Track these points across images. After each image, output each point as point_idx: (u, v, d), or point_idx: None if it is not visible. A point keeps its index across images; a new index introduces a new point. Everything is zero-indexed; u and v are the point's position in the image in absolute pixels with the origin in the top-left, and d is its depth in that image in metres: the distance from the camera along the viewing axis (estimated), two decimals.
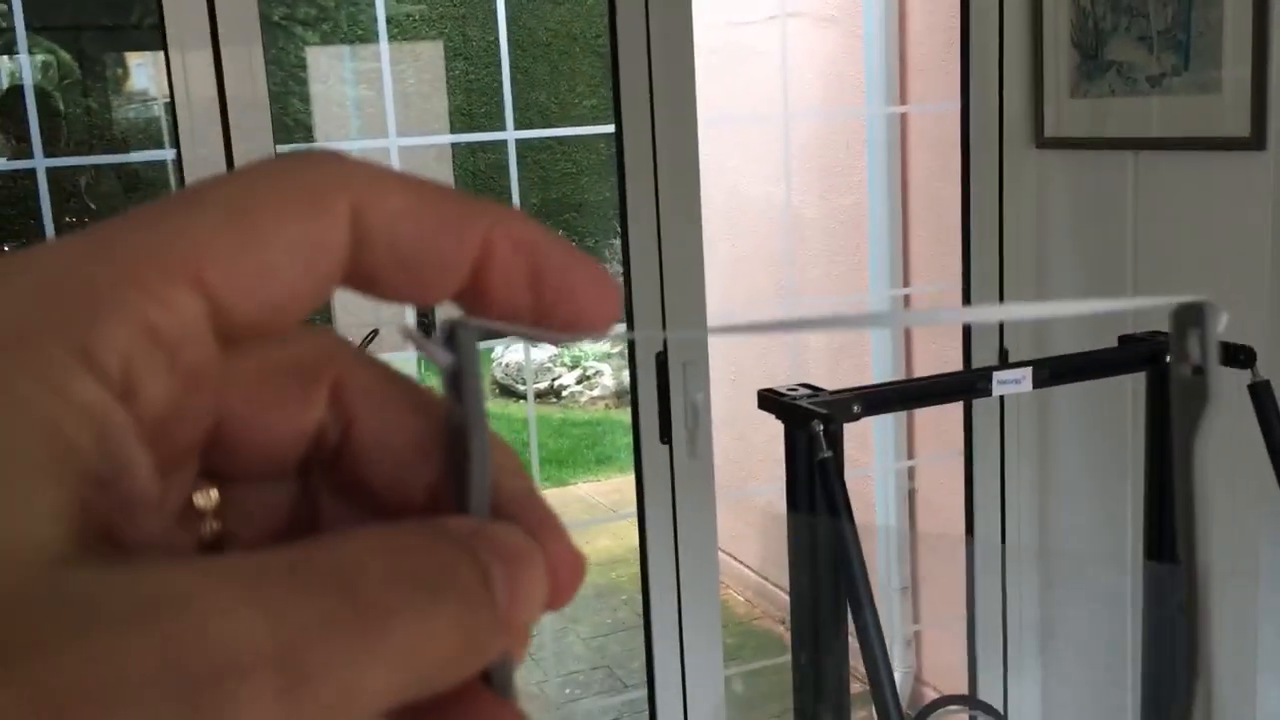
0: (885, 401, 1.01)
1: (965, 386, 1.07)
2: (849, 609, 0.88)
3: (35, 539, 0.17)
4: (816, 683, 0.90)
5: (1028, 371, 1.06)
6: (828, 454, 0.86)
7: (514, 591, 0.20)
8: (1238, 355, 1.20)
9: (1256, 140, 1.89)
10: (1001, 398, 2.37)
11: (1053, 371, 1.10)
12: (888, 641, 3.09)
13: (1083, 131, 2.23)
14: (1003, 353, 2.36)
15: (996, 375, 1.04)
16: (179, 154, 1.80)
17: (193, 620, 0.16)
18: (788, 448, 0.92)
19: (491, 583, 0.19)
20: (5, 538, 0.16)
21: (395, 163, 2.12)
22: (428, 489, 0.23)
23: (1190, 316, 0.25)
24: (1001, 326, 2.36)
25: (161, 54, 1.81)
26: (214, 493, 0.22)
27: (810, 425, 0.88)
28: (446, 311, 0.23)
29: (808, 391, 0.95)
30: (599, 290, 0.22)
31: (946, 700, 1.45)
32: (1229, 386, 1.27)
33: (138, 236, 0.19)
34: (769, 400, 0.95)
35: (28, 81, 2.04)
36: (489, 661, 0.20)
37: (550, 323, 0.22)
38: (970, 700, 1.57)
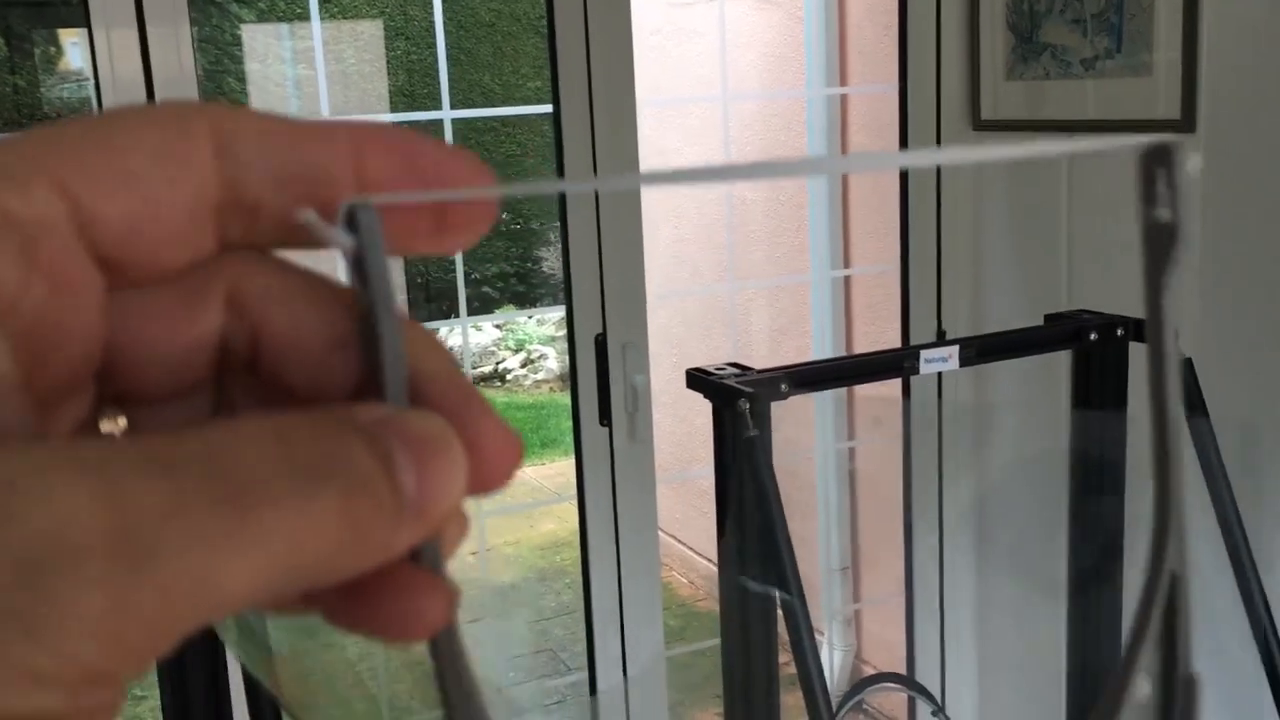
0: (813, 380, 1.01)
1: (893, 365, 1.07)
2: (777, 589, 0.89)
3: None
4: (745, 663, 0.90)
5: (954, 350, 1.06)
6: (754, 433, 0.86)
7: (424, 478, 0.19)
8: None
9: (1187, 123, 1.92)
10: (940, 380, 2.39)
11: (979, 350, 1.11)
12: (828, 620, 3.11)
13: (1018, 114, 2.24)
14: (940, 334, 2.38)
15: (924, 354, 1.05)
16: None
17: (18, 501, 0.16)
18: (715, 427, 0.92)
19: (394, 470, 0.19)
20: None
21: None
22: (352, 386, 0.21)
23: (1158, 157, 0.24)
24: (939, 309, 2.38)
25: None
26: (121, 420, 0.21)
27: (737, 404, 0.87)
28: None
29: (736, 371, 0.95)
30: (476, 172, 0.22)
31: (875, 679, 1.46)
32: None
33: None
34: (697, 380, 0.95)
35: None
36: (397, 551, 0.19)
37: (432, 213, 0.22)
38: (899, 678, 1.58)
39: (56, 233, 0.19)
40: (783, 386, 0.93)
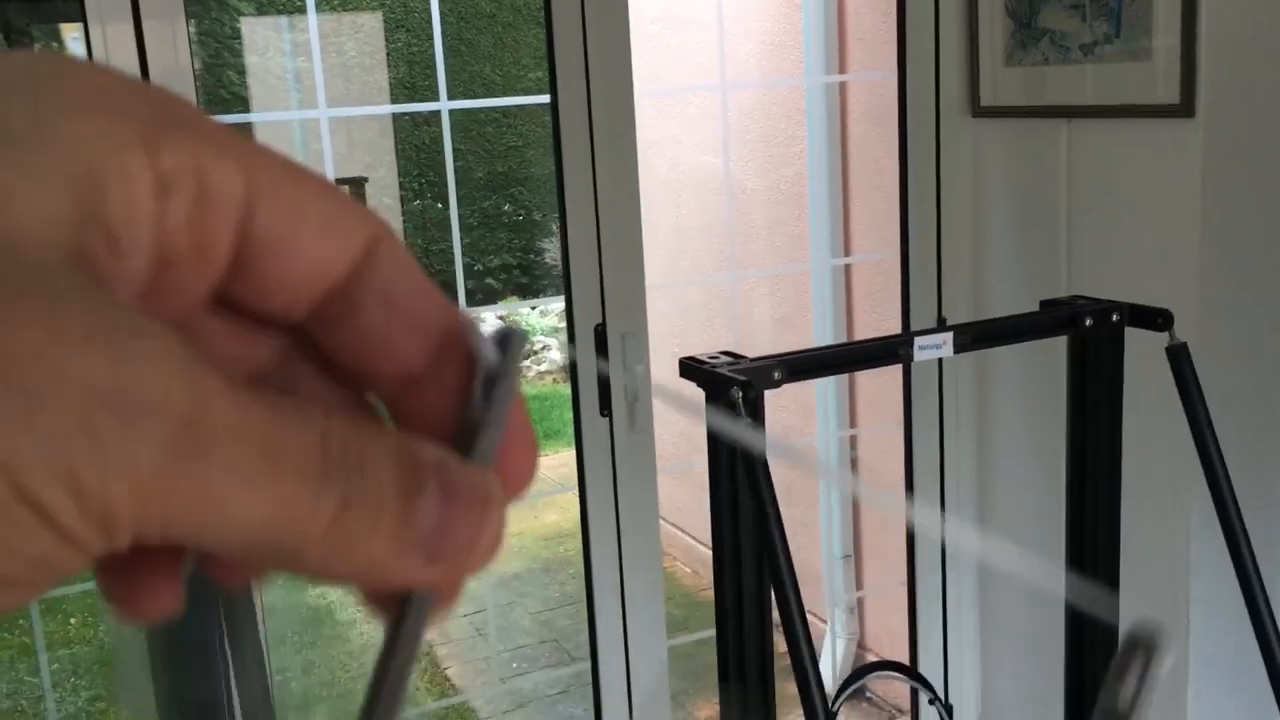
0: (807, 368, 1.00)
1: (887, 351, 1.07)
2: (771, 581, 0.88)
3: (43, 225, 0.18)
4: (740, 654, 0.89)
5: (948, 336, 1.06)
6: (746, 421, 0.85)
7: (448, 524, 0.20)
8: (1154, 319, 1.21)
9: (1186, 108, 1.91)
10: (941, 367, 2.38)
11: (974, 336, 1.10)
12: (831, 608, 3.11)
13: (1017, 100, 2.24)
14: (941, 320, 2.37)
15: (918, 340, 1.04)
16: None
17: (131, 345, 0.18)
18: (709, 413, 0.92)
19: (415, 506, 0.20)
20: (23, 212, 0.18)
21: (326, 136, 2.08)
22: (401, 386, 0.23)
23: (1140, 647, 0.25)
24: (940, 296, 2.38)
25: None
26: None
27: (729, 392, 0.87)
28: None
29: (729, 359, 0.94)
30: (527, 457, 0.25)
31: (871, 668, 1.45)
32: (1146, 350, 1.29)
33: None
34: (690, 368, 0.95)
35: None
36: (394, 576, 0.20)
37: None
38: (895, 666, 1.58)
39: (225, 210, 0.21)
40: (776, 374, 0.92)
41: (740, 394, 0.87)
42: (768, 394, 0.94)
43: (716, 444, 0.92)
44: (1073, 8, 2.10)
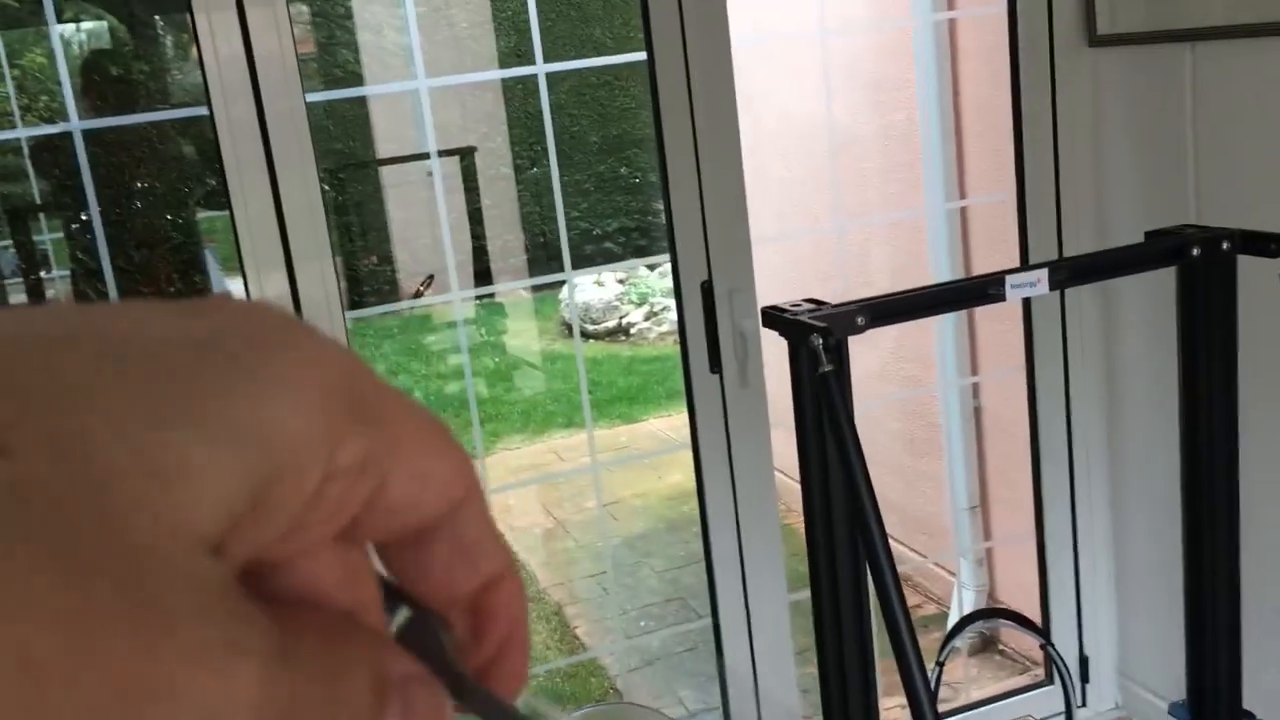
0: (892, 312, 0.97)
1: (977, 293, 1.03)
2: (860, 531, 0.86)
3: (203, 519, 0.19)
4: (835, 609, 0.88)
5: (1043, 273, 1.01)
6: (828, 368, 0.83)
7: None
8: (1268, 244, 1.13)
9: None
10: (1064, 306, 2.30)
11: (1070, 272, 1.05)
12: (958, 559, 3.04)
13: (1137, 25, 2.13)
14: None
15: (1010, 279, 1.00)
16: (211, 112, 1.81)
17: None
18: (791, 364, 0.90)
19: (375, 716, 0.21)
20: (192, 500, 0.19)
21: (426, 105, 2.10)
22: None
23: None
24: (1059, 235, 2.29)
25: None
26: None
27: (810, 339, 0.85)
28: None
29: (811, 307, 0.92)
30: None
31: (978, 615, 1.41)
32: (1261, 275, 1.21)
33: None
34: (772, 318, 0.93)
35: (57, 48, 2.06)
36: None
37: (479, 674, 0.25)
38: (1002, 612, 1.53)
39: (368, 486, 0.22)
40: (859, 320, 0.90)
41: (820, 340, 0.85)
42: (878, 341, 0.91)
43: (800, 391, 0.90)
44: None
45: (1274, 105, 1.88)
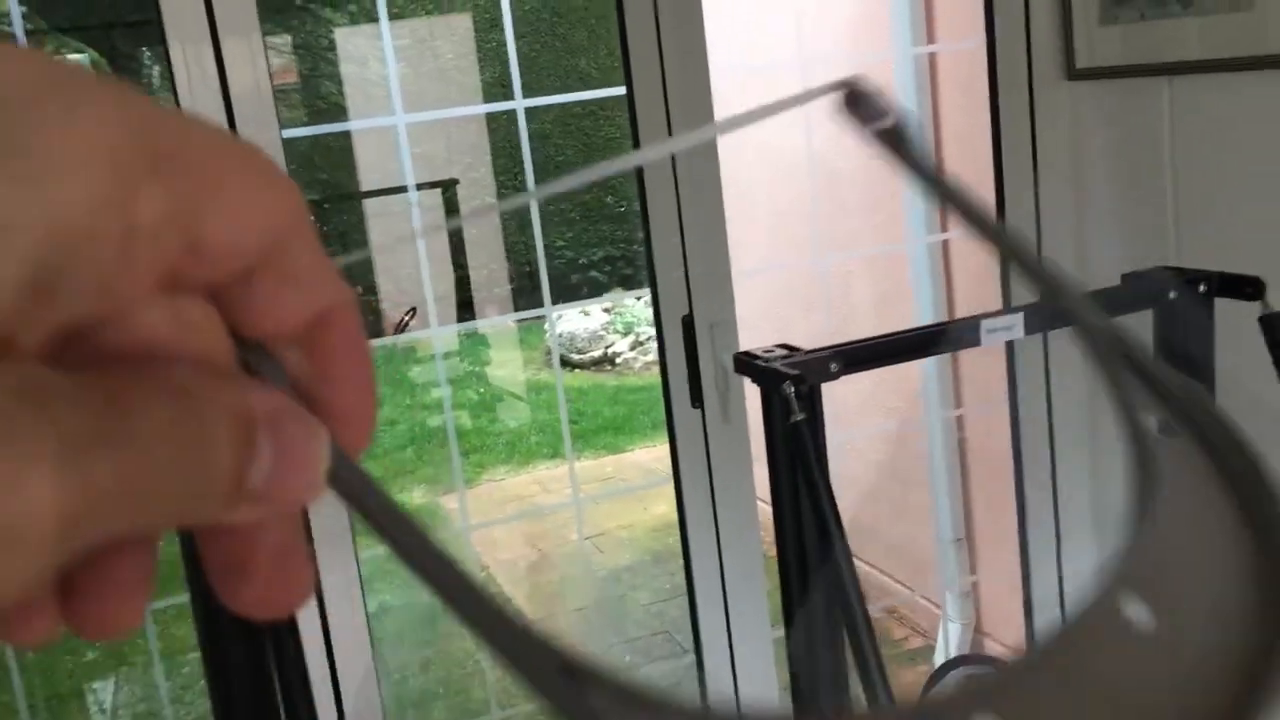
0: (866, 358, 0.96)
1: (952, 338, 1.02)
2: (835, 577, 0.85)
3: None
4: (809, 651, 0.86)
5: (1019, 318, 1.01)
6: (800, 417, 0.82)
7: (276, 471, 0.21)
8: (1244, 288, 1.13)
9: None
10: (1046, 342, 2.30)
11: (1047, 316, 1.04)
12: (944, 593, 3.03)
13: (1115, 60, 2.14)
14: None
15: (985, 323, 0.99)
16: None
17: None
18: (764, 411, 0.89)
19: (249, 452, 0.21)
20: None
21: (403, 140, 2.10)
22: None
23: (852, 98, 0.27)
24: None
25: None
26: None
27: (782, 387, 0.84)
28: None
29: (784, 353, 0.91)
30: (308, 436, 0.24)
31: (952, 664, 1.40)
32: (1237, 319, 1.20)
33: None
34: (744, 364, 0.91)
35: None
36: (231, 519, 0.21)
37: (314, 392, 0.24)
38: (974, 659, 1.52)
39: (179, 242, 0.21)
40: (832, 366, 0.89)
41: (792, 389, 0.84)
42: (856, 380, 0.90)
43: (773, 438, 0.88)
44: None
45: (1250, 137, 1.89)
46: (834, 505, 0.79)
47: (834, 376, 0.89)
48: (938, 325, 1.11)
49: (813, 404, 0.85)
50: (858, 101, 0.25)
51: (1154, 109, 2.06)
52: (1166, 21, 2.02)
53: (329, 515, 1.95)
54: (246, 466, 0.21)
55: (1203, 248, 2.00)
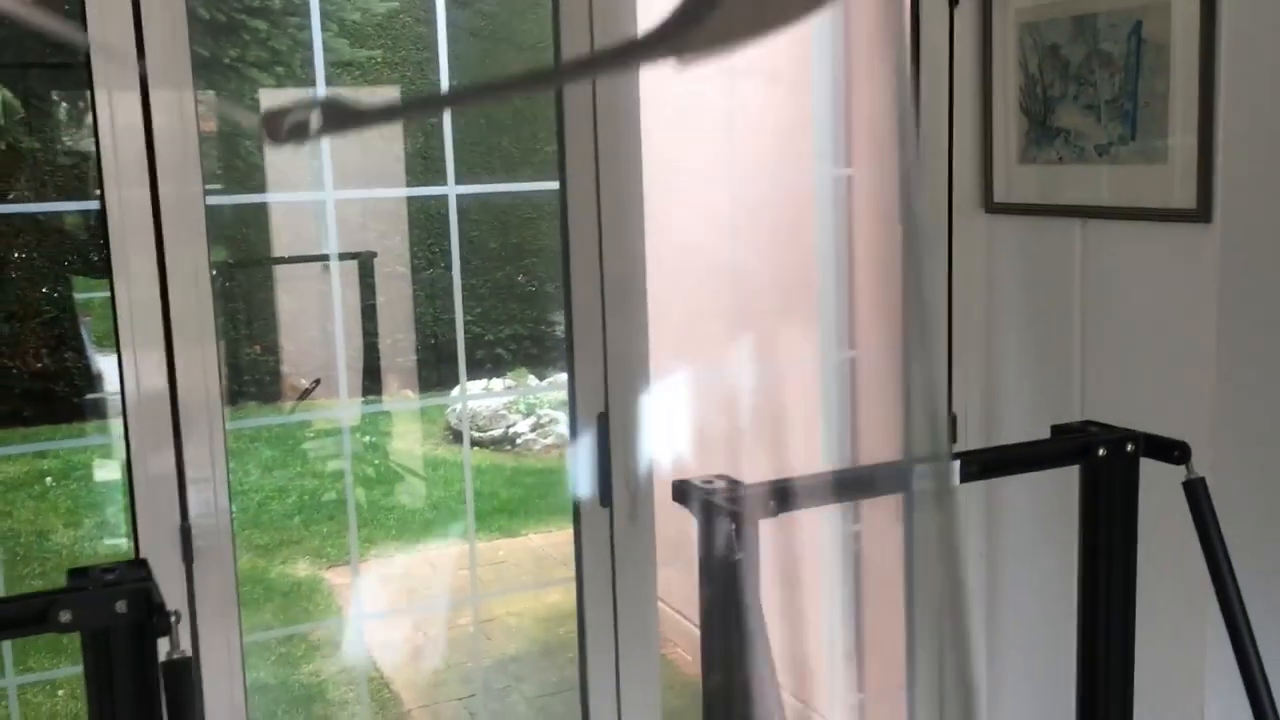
0: (803, 497, 0.96)
1: (888, 482, 1.03)
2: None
3: None
4: None
5: (954, 466, 1.02)
6: (739, 556, 0.82)
7: None
8: (1171, 451, 1.17)
9: (1202, 212, 1.88)
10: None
11: (982, 465, 1.06)
12: (831, 707, 3.01)
13: (1031, 198, 2.22)
14: (951, 417, 2.33)
15: (918, 470, 1.00)
16: (102, 190, 1.74)
17: None
18: (701, 540, 0.88)
19: None
20: None
21: (331, 216, 2.07)
22: None
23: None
24: (950, 392, 2.33)
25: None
26: None
27: (724, 524, 0.83)
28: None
29: (724, 485, 0.90)
30: None
31: None
32: (1164, 483, 1.24)
33: None
34: (683, 493, 0.91)
35: None
36: None
37: None
38: None
39: None
40: (771, 503, 0.88)
41: (733, 526, 0.84)
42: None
43: (709, 566, 0.88)
44: (1088, 108, 2.08)
45: (1158, 287, 1.96)
46: (766, 640, 0.78)
47: (773, 514, 0.89)
48: (874, 466, 1.12)
49: (750, 541, 0.85)
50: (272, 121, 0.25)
51: (1066, 248, 2.14)
52: (1083, 166, 2.10)
53: (214, 590, 1.87)
54: None
55: (1108, 387, 2.06)
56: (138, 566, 1.00)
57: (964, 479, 1.04)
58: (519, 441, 6.60)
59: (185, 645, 0.94)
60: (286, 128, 0.25)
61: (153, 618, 0.92)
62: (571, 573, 2.15)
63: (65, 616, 0.93)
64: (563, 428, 6.48)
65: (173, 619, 0.93)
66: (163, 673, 0.93)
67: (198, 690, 1.86)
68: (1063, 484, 1.70)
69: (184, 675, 0.92)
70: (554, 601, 4.24)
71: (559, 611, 4.16)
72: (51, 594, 0.95)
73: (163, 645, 0.95)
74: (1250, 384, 1.87)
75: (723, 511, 0.85)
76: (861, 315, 2.89)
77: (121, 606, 0.94)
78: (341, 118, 0.25)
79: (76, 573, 0.99)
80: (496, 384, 7.11)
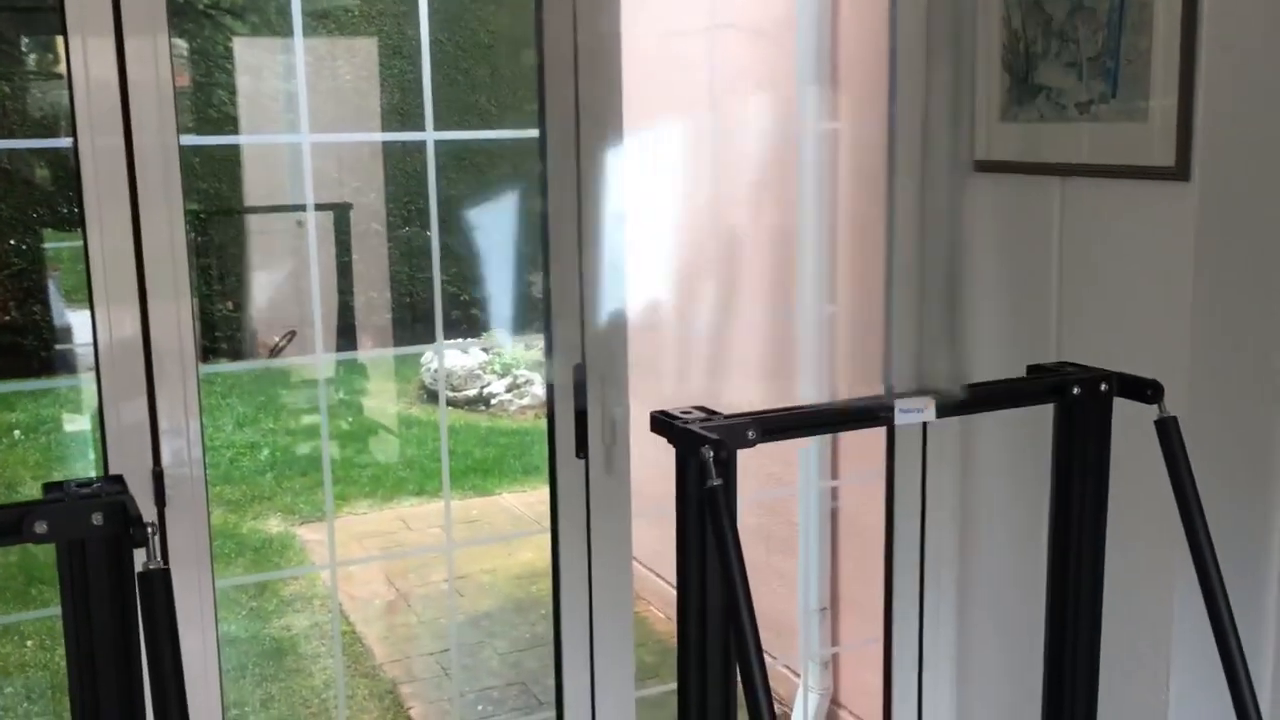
0: (784, 427, 0.96)
1: (867, 414, 1.03)
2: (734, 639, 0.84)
3: None
4: (701, 709, 0.85)
5: (930, 400, 1.02)
6: (717, 482, 0.82)
7: None
8: (1144, 390, 1.18)
9: (1181, 170, 1.89)
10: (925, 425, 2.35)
11: (957, 403, 1.07)
12: (804, 662, 3.05)
13: (1012, 155, 2.21)
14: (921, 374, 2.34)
15: (899, 403, 1.01)
16: (75, 140, 1.71)
17: None
18: (678, 473, 0.88)
19: None
20: None
21: (307, 160, 2.05)
22: None
23: None
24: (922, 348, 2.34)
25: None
26: None
27: (701, 451, 0.83)
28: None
29: (702, 415, 0.90)
30: None
31: None
32: (1136, 421, 1.25)
33: None
34: (661, 424, 0.91)
35: None
36: None
37: None
38: None
39: None
40: (750, 434, 0.88)
41: (711, 453, 0.83)
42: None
43: (686, 499, 0.87)
44: (1069, 65, 2.08)
45: (1136, 245, 1.97)
46: (744, 569, 0.78)
47: (751, 444, 0.89)
48: (853, 401, 1.13)
49: (728, 470, 0.84)
50: None
51: (1046, 206, 2.14)
52: (1064, 124, 2.10)
53: (186, 540, 1.86)
54: None
55: (1083, 342, 2.07)
56: (114, 481, 0.99)
57: (940, 414, 1.04)
58: (494, 402, 6.59)
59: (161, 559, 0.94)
60: None
61: (129, 529, 0.92)
62: (546, 529, 2.15)
63: (40, 527, 0.92)
64: (538, 389, 6.47)
65: (149, 530, 0.92)
66: (139, 584, 0.92)
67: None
68: (1037, 435, 1.71)
69: (161, 586, 0.92)
70: (526, 559, 4.25)
71: (531, 569, 4.18)
72: (27, 505, 0.94)
73: (139, 557, 0.94)
74: (1224, 334, 1.88)
75: (702, 439, 0.84)
76: (842, 271, 2.89)
77: (98, 519, 0.93)
78: None
79: (52, 486, 0.98)
80: (471, 346, 7.08)
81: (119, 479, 1.00)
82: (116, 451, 1.82)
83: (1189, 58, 1.86)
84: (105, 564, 0.94)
